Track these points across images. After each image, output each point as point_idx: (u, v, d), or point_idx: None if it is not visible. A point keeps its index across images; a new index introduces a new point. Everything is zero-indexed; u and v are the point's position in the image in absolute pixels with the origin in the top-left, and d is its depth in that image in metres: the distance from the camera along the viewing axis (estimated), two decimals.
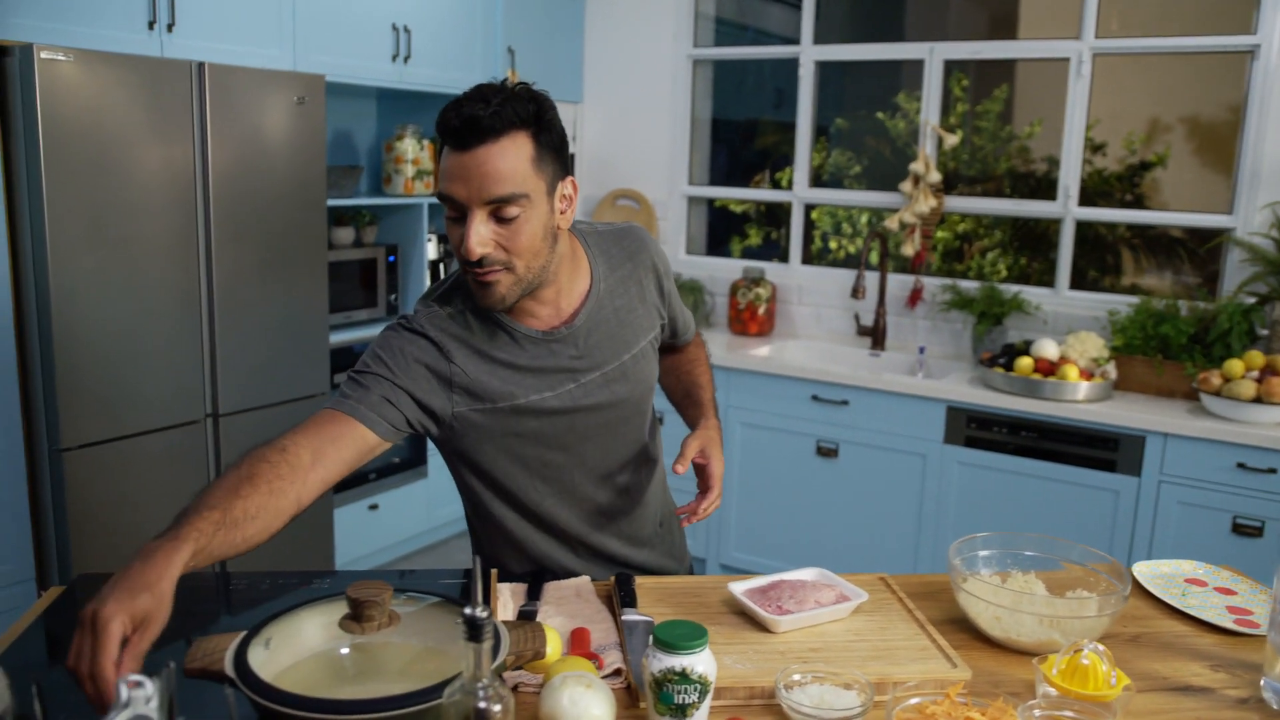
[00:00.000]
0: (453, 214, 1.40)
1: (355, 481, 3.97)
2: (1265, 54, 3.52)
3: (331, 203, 3.73)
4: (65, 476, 2.80)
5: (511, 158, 1.36)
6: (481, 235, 1.38)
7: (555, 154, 1.43)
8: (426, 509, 4.34)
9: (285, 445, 1.33)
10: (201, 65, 2.96)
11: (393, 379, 1.46)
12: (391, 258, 4.15)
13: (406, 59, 3.92)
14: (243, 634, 1.15)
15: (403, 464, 4.20)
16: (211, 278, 3.06)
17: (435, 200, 4.17)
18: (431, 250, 4.29)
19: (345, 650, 1.23)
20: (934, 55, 4.12)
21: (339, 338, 3.81)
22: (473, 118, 1.33)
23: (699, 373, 1.84)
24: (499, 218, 1.38)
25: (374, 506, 4.05)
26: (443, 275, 4.32)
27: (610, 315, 1.60)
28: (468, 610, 0.93)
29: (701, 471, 1.60)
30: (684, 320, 1.83)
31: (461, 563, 4.28)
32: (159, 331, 2.96)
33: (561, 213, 1.46)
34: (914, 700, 1.21)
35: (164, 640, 1.07)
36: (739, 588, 1.53)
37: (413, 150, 4.11)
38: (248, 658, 1.10)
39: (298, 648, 1.20)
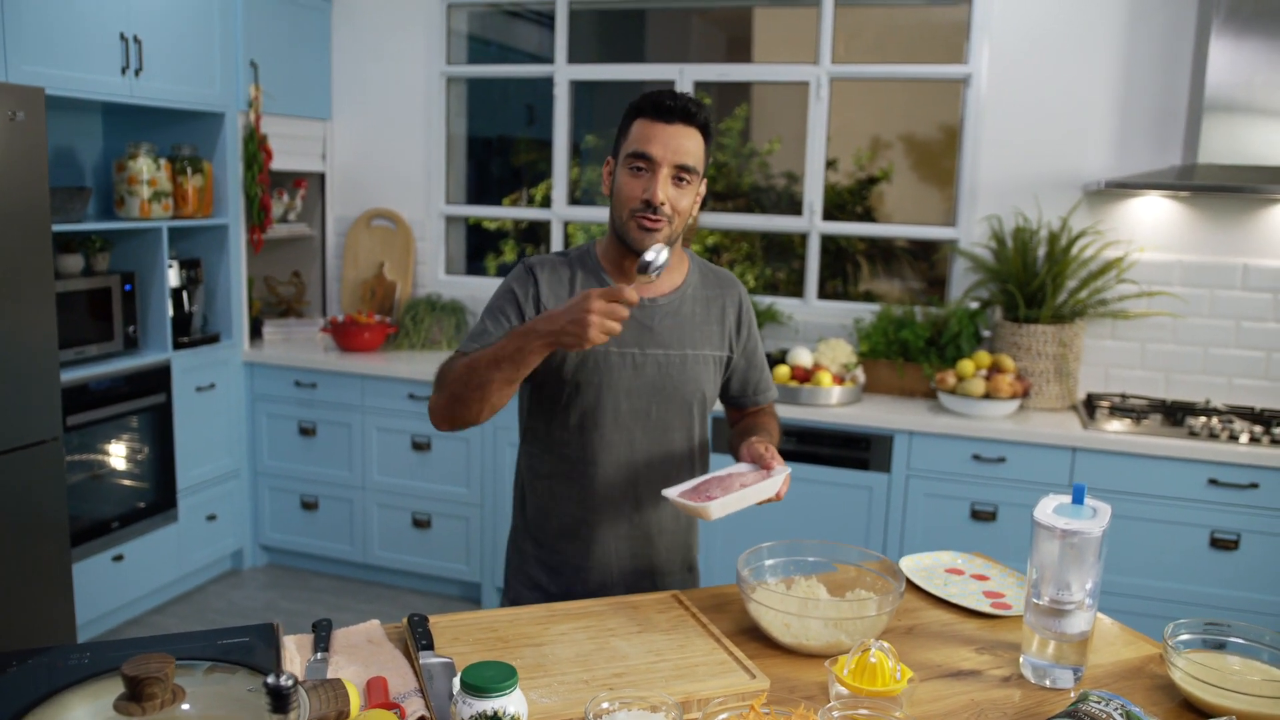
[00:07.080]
0: (641, 165, 1.76)
1: (96, 532, 3.63)
2: (976, 82, 3.88)
3: (57, 228, 3.40)
4: None
5: (696, 142, 1.78)
6: (665, 188, 1.75)
7: (708, 158, 1.83)
8: (178, 555, 4.03)
9: None
10: None
11: (506, 317, 1.83)
12: (128, 286, 3.82)
13: (138, 71, 3.64)
14: None
15: (149, 509, 3.88)
16: None
17: (175, 224, 3.91)
18: (173, 277, 3.98)
19: None
20: (684, 76, 4.27)
21: (72, 375, 3.47)
22: (685, 105, 1.76)
23: (765, 422, 2.03)
24: (676, 179, 1.76)
25: (119, 558, 3.72)
26: (186, 305, 4.05)
27: (688, 314, 1.90)
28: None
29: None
30: (759, 381, 2.06)
31: (219, 611, 4.01)
32: None
33: (695, 202, 1.83)
34: (722, 716, 1.24)
35: None
36: (672, 491, 1.68)
37: (148, 170, 3.80)
38: None
39: None
